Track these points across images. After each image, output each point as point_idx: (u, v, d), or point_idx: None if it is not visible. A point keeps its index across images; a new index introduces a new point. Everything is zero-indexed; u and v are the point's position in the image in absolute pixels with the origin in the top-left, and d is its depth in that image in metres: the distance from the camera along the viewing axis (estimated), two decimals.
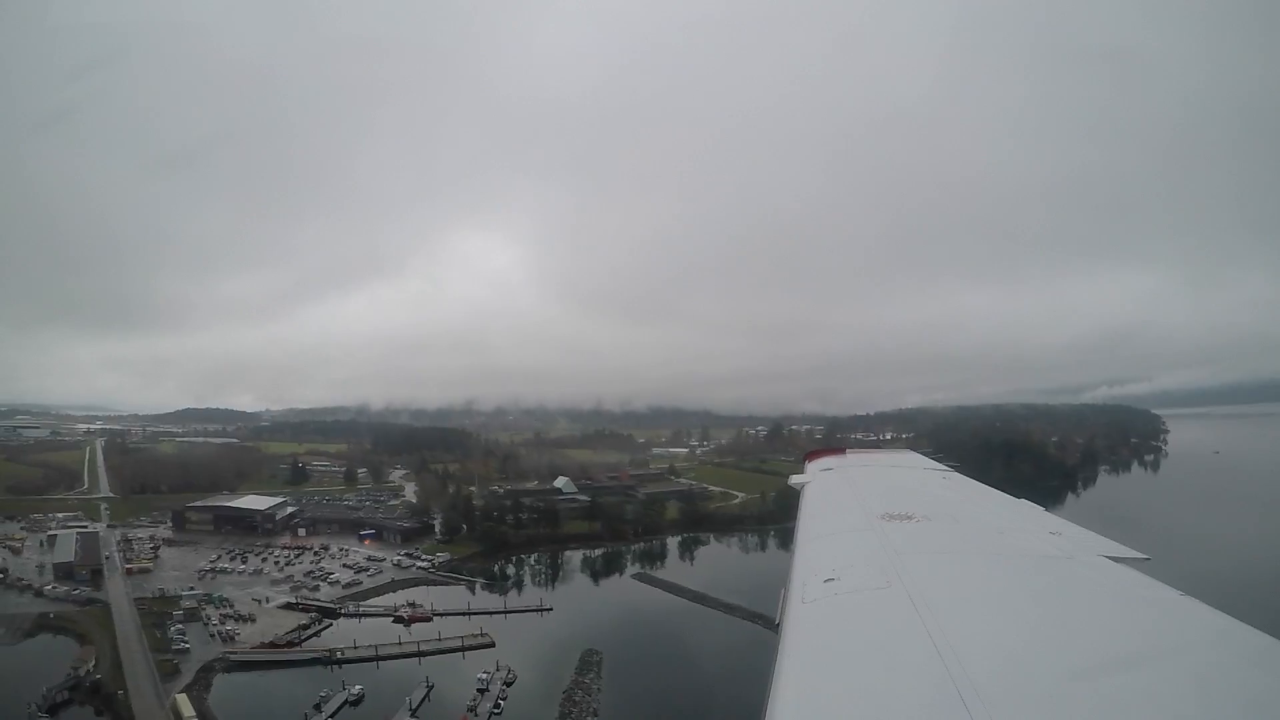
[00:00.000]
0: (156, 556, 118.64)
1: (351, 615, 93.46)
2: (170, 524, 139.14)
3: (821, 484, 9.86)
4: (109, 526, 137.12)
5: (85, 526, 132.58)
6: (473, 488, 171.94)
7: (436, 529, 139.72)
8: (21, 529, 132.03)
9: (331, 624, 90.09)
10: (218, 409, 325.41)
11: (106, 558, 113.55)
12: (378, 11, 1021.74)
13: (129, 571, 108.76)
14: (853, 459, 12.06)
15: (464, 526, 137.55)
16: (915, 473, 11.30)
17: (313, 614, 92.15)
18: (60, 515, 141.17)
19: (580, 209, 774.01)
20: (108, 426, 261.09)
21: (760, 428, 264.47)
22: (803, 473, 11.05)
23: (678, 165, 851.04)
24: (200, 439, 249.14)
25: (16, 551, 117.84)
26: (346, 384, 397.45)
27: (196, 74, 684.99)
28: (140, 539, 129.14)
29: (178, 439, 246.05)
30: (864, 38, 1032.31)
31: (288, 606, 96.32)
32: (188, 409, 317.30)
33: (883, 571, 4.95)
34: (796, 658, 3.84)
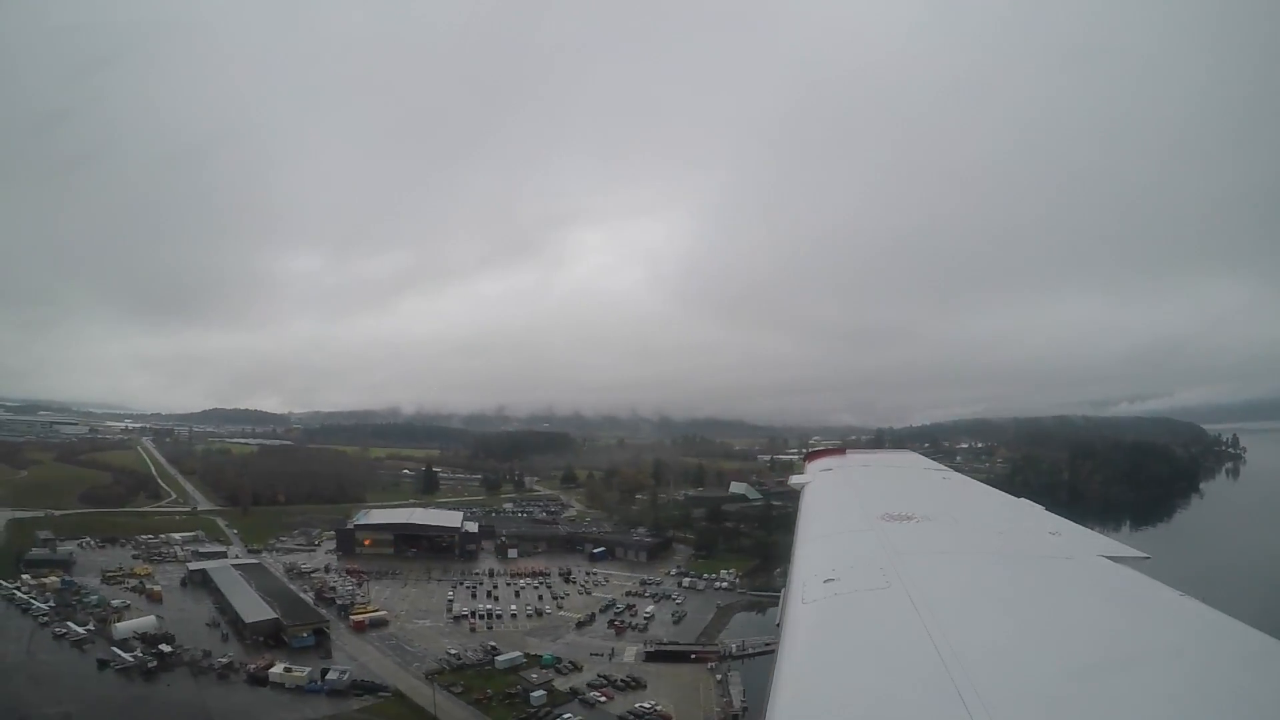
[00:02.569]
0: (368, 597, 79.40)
1: (738, 656, 71.95)
2: (336, 547, 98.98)
3: (822, 484, 9.55)
4: (250, 550, 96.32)
5: (223, 553, 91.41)
6: (639, 495, 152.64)
7: (673, 543, 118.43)
8: (135, 557, 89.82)
9: (735, 673, 68.05)
10: (244, 410, 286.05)
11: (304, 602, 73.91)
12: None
13: (358, 626, 69.56)
14: (853, 459, 11.63)
15: (718, 539, 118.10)
16: (915, 472, 11.09)
17: (711, 664, 68.84)
18: (178, 537, 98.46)
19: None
20: (142, 425, 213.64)
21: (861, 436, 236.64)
22: (803, 473, 10.80)
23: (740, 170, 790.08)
24: (254, 441, 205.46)
25: (154, 598, 76.10)
26: (375, 388, 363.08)
27: (218, 67, 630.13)
28: (312, 568, 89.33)
29: (226, 441, 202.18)
30: (862, 33, 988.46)
31: (652, 658, 69.55)
32: (214, 409, 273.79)
33: (883, 572, 4.80)
34: (796, 658, 3.75)
